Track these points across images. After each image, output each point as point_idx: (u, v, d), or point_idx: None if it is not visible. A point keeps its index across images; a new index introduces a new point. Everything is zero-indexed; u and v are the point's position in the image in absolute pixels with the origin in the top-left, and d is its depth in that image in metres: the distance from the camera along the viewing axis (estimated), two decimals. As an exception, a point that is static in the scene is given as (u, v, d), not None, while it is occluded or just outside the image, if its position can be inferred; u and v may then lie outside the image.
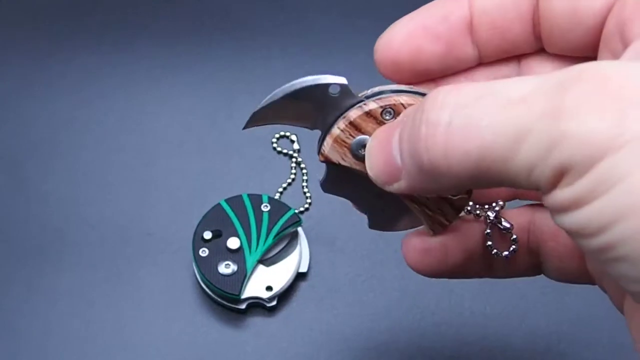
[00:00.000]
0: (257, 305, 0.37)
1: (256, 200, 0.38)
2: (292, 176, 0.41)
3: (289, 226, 0.37)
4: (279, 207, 0.38)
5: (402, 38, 0.25)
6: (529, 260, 0.27)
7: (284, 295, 0.37)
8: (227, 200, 0.38)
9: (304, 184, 0.40)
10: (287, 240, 0.38)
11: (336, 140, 0.24)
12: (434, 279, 0.27)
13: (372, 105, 0.24)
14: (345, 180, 0.25)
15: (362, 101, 0.25)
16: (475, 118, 0.19)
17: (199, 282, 0.37)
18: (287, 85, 0.25)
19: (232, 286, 0.36)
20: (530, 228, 0.27)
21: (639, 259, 0.17)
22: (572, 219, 0.18)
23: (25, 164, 0.41)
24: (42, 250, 0.39)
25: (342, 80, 0.25)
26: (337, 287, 0.38)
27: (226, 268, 0.36)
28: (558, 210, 0.19)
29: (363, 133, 0.24)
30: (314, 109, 0.25)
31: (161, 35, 0.45)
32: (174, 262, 0.39)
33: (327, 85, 0.25)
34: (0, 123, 0.42)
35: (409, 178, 0.22)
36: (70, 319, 0.37)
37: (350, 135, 0.24)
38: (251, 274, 0.37)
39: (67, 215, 0.40)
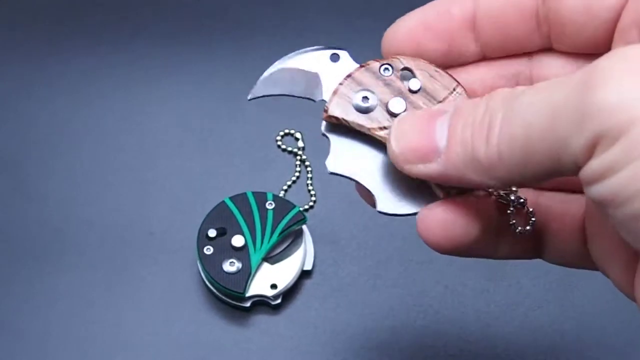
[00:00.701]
0: (261, 303, 0.37)
1: (261, 198, 0.38)
2: (297, 174, 0.41)
3: (293, 224, 0.37)
4: (283, 205, 0.38)
5: (404, 35, 0.26)
6: (531, 243, 0.27)
7: (289, 293, 0.37)
8: (231, 198, 0.38)
9: (309, 181, 0.40)
10: (291, 238, 0.38)
11: (338, 94, 0.25)
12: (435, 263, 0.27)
13: (370, 62, 0.26)
14: (351, 151, 0.26)
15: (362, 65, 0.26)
16: (517, 103, 0.20)
17: (203, 281, 0.37)
18: (291, 54, 0.27)
19: (236, 284, 0.36)
20: (535, 210, 0.27)
21: None
22: (605, 187, 0.19)
23: (25, 165, 0.41)
24: (43, 250, 0.39)
25: (344, 52, 0.27)
26: (342, 285, 0.38)
27: (231, 266, 0.36)
28: (592, 180, 0.19)
29: (364, 87, 0.25)
30: (317, 78, 0.26)
31: (161, 35, 0.45)
32: (177, 261, 0.39)
33: (330, 53, 0.26)
34: (0, 124, 0.42)
35: (448, 164, 0.22)
36: (71, 319, 0.37)
37: (351, 89, 0.25)
38: (256, 271, 0.36)
39: (67, 215, 0.40)
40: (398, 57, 0.26)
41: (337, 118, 0.26)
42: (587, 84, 0.19)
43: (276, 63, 0.27)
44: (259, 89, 0.27)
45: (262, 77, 0.27)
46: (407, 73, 0.25)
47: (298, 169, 0.41)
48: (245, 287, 0.36)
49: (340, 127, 0.26)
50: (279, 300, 0.37)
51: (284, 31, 0.45)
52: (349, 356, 0.36)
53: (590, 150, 0.19)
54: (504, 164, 0.21)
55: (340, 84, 0.25)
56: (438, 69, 0.25)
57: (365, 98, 0.25)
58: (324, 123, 0.26)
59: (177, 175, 0.41)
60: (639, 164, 0.18)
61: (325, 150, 0.41)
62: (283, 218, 0.37)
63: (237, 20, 0.45)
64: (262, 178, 0.41)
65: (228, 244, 0.37)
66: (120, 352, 0.36)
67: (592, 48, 0.24)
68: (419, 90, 0.25)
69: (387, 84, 0.25)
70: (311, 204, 0.40)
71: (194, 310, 0.37)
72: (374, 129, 0.25)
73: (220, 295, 0.37)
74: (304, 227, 0.38)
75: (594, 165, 0.19)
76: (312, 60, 0.27)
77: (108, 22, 0.45)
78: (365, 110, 0.25)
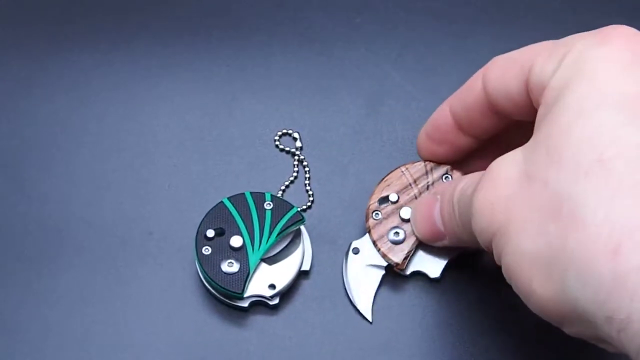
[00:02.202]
0: (259, 304, 0.37)
1: (259, 198, 0.38)
2: (295, 174, 0.41)
3: (291, 224, 0.37)
4: (281, 205, 0.38)
5: (421, 146, 0.37)
6: None
7: (287, 294, 0.37)
8: (229, 199, 0.38)
9: (307, 182, 0.40)
10: (289, 238, 0.38)
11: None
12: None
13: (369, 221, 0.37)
14: None
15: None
16: (457, 201, 0.32)
17: (201, 281, 0.37)
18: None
19: (235, 284, 0.36)
20: None
21: None
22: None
23: (23, 164, 0.41)
24: (40, 250, 0.39)
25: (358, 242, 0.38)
26: (340, 285, 0.38)
27: (229, 266, 0.36)
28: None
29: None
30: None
31: (160, 35, 0.45)
32: (176, 261, 0.39)
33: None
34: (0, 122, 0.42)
35: (451, 241, 0.34)
36: (69, 319, 0.37)
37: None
38: (254, 272, 0.36)
39: (66, 215, 0.40)
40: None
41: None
42: (477, 186, 0.28)
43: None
44: None
45: None
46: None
47: (296, 169, 0.41)
48: (244, 287, 0.36)
49: None
50: (277, 301, 0.37)
51: (284, 30, 0.45)
52: (346, 356, 0.36)
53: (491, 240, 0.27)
54: (469, 243, 0.32)
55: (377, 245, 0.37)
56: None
57: (396, 233, 0.36)
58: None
59: (175, 175, 0.41)
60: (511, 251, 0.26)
61: (323, 150, 0.41)
62: (281, 218, 0.37)
63: (236, 19, 0.45)
64: (261, 178, 0.41)
65: (226, 245, 0.37)
66: (118, 352, 0.36)
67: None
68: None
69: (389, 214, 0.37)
70: (309, 204, 0.40)
71: (192, 310, 0.37)
72: None
73: (218, 295, 0.37)
74: (302, 227, 0.38)
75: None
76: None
77: (106, 21, 0.45)
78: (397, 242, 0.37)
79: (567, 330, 0.26)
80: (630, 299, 0.21)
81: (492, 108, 0.31)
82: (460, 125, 0.34)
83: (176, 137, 0.42)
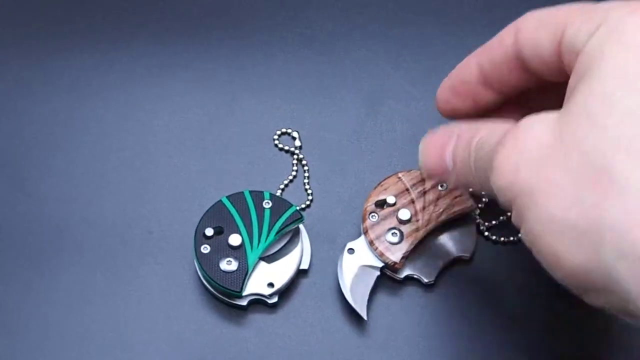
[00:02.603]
0: (258, 302, 0.37)
1: (258, 197, 0.38)
2: (294, 173, 0.41)
3: (290, 223, 0.37)
4: (280, 204, 0.38)
5: (441, 100, 0.34)
6: None
7: (285, 292, 0.37)
8: (228, 197, 0.38)
9: (306, 180, 0.40)
10: (288, 236, 0.38)
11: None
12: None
13: (366, 221, 0.38)
14: None
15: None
16: (475, 155, 0.29)
17: (200, 279, 0.37)
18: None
19: (233, 283, 0.36)
20: None
21: None
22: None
23: (23, 163, 0.41)
24: (41, 249, 0.39)
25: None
26: (338, 284, 0.38)
27: (228, 265, 0.36)
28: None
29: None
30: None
31: (160, 34, 0.45)
32: (175, 259, 0.39)
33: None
34: None
35: (456, 181, 0.31)
36: (70, 318, 0.37)
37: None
38: (253, 270, 0.37)
39: (66, 214, 0.40)
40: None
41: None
42: (502, 140, 0.27)
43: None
44: None
45: None
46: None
47: (295, 168, 0.41)
48: (242, 285, 0.36)
49: None
50: (275, 299, 0.37)
51: (284, 30, 0.45)
52: (345, 355, 0.36)
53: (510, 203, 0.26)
54: (476, 189, 0.31)
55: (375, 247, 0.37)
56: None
57: (394, 234, 0.37)
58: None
59: (175, 174, 0.41)
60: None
61: (322, 150, 0.41)
62: (280, 217, 0.37)
63: (236, 17, 0.45)
64: (259, 177, 0.41)
65: (225, 243, 0.37)
66: (117, 350, 0.37)
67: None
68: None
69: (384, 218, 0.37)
70: (308, 202, 0.40)
71: (191, 309, 0.37)
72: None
73: (217, 294, 0.37)
74: (301, 226, 0.38)
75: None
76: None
77: (106, 20, 0.45)
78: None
79: (591, 299, 0.25)
80: None
81: (522, 64, 0.30)
82: (486, 80, 0.32)
83: (176, 137, 0.42)
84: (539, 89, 0.32)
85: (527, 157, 0.25)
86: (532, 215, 0.25)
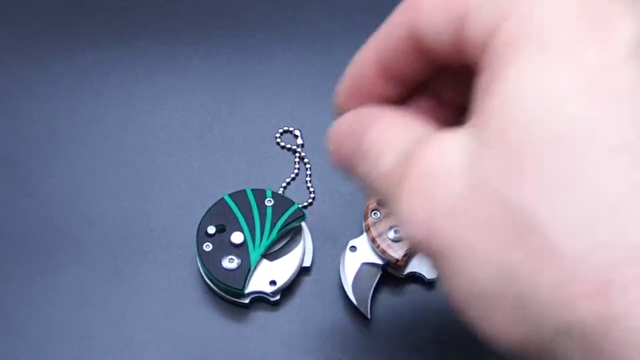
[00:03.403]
0: (260, 300, 0.37)
1: (260, 194, 0.38)
2: (296, 171, 0.41)
3: (292, 221, 0.37)
4: (282, 202, 0.38)
5: (341, 107, 0.28)
6: None
7: (288, 290, 0.37)
8: (230, 195, 0.38)
9: (308, 178, 0.40)
10: (290, 234, 0.38)
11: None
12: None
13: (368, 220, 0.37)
14: None
15: None
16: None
17: (202, 277, 0.37)
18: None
19: (236, 281, 0.36)
20: None
21: None
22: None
23: (25, 163, 0.41)
24: (43, 248, 0.39)
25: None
26: (340, 282, 0.38)
27: (230, 263, 0.36)
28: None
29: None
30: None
31: (161, 33, 0.45)
32: (176, 258, 0.39)
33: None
34: (1, 122, 0.42)
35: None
36: (72, 316, 0.37)
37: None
38: (255, 268, 0.37)
39: (68, 213, 0.40)
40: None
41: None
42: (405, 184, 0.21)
43: None
44: None
45: None
46: None
47: (297, 166, 0.41)
48: (245, 284, 0.36)
49: None
50: (278, 297, 0.37)
51: (285, 28, 0.45)
52: (347, 352, 0.36)
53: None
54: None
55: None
56: None
57: (396, 231, 0.37)
58: None
59: (176, 172, 0.41)
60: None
61: (323, 148, 0.41)
62: (282, 215, 0.37)
63: (237, 15, 0.45)
64: (261, 175, 0.41)
65: (227, 241, 0.37)
66: (119, 348, 0.36)
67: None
68: None
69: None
70: (310, 200, 0.40)
71: (193, 307, 0.37)
72: None
73: (219, 291, 0.37)
74: (303, 223, 0.38)
75: None
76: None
77: (107, 19, 0.45)
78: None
79: None
80: (620, 353, 0.17)
81: (421, 50, 0.24)
82: (386, 72, 0.26)
83: (177, 135, 0.42)
84: (447, 75, 0.26)
85: (440, 209, 0.20)
86: (455, 281, 0.20)
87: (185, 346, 0.36)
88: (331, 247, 0.39)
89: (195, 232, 0.37)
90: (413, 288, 0.38)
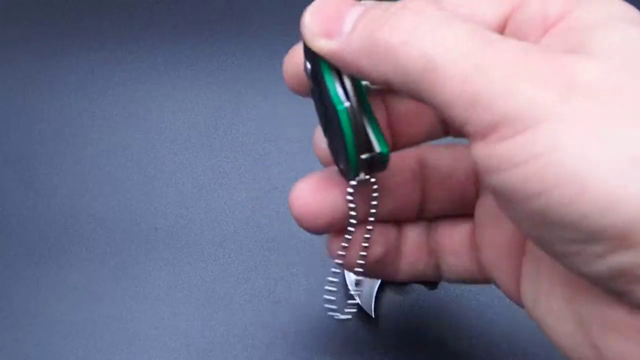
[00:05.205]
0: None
1: None
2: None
3: None
4: None
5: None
6: (430, 259, 0.28)
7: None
8: None
9: (312, 177, 0.40)
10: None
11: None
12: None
13: None
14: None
15: None
16: (451, 30, 0.19)
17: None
18: None
19: None
20: (428, 235, 0.28)
21: (577, 223, 0.17)
22: (505, 179, 0.18)
23: (32, 161, 0.41)
24: (49, 245, 0.39)
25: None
26: (345, 280, 0.38)
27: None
28: (488, 166, 0.19)
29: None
30: None
31: (166, 32, 0.45)
32: (181, 256, 0.39)
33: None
34: (8, 120, 0.42)
35: (346, 43, 0.22)
36: (77, 314, 0.37)
37: None
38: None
39: (74, 211, 0.40)
40: None
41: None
42: (519, 65, 0.18)
43: None
44: None
45: None
46: None
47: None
48: None
49: None
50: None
51: (290, 28, 0.45)
52: (352, 352, 0.36)
53: (490, 129, 0.18)
54: (397, 62, 0.20)
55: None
56: None
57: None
58: None
59: (180, 171, 0.41)
60: (541, 161, 0.17)
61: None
62: None
63: (242, 15, 0.46)
64: (266, 175, 0.41)
65: None
66: (124, 346, 0.37)
67: None
68: None
69: None
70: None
71: (197, 305, 0.37)
72: None
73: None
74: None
75: (496, 150, 0.18)
76: None
77: (113, 18, 0.45)
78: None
79: (594, 255, 0.18)
80: None
81: None
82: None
83: (182, 134, 0.42)
84: None
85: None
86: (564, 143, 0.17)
87: (189, 345, 0.37)
88: (335, 246, 0.39)
89: (199, 232, 0.37)
90: (417, 287, 0.38)
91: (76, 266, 0.38)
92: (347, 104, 0.23)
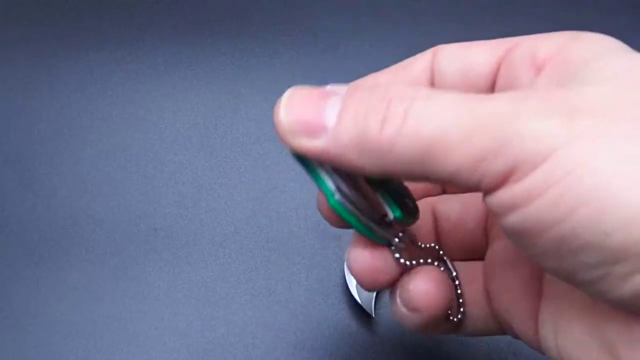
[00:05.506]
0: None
1: None
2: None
3: None
4: None
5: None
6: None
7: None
8: None
9: (312, 177, 0.41)
10: (295, 233, 0.38)
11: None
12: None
13: None
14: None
15: None
16: (434, 101, 0.19)
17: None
18: None
19: None
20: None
21: (601, 243, 0.18)
22: (525, 215, 0.18)
23: (32, 161, 0.41)
24: (49, 246, 0.39)
25: None
26: (345, 281, 0.38)
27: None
28: (507, 208, 0.19)
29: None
30: None
31: (166, 32, 0.45)
32: (181, 257, 0.39)
33: None
34: (8, 120, 0.42)
35: (333, 141, 0.20)
36: (77, 314, 0.37)
37: None
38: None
39: (73, 211, 0.40)
40: None
41: None
42: (512, 113, 0.18)
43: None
44: None
45: None
46: None
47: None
48: None
49: None
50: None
51: (290, 28, 0.45)
52: (352, 351, 0.36)
53: (506, 176, 0.18)
54: (394, 154, 0.19)
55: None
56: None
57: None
58: None
59: (180, 172, 0.41)
60: (564, 185, 0.17)
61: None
62: None
63: (242, 15, 0.46)
64: (265, 175, 0.41)
65: None
66: (123, 346, 0.37)
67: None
68: None
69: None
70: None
71: (197, 305, 0.37)
72: None
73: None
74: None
75: (509, 193, 0.18)
76: None
77: (113, 19, 0.45)
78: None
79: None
80: None
81: None
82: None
83: (182, 134, 0.42)
84: None
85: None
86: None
87: (189, 344, 0.37)
88: (335, 247, 0.39)
89: (198, 232, 0.37)
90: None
91: (76, 266, 0.38)
92: (337, 196, 0.22)
